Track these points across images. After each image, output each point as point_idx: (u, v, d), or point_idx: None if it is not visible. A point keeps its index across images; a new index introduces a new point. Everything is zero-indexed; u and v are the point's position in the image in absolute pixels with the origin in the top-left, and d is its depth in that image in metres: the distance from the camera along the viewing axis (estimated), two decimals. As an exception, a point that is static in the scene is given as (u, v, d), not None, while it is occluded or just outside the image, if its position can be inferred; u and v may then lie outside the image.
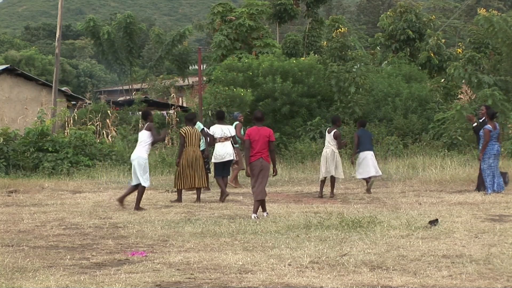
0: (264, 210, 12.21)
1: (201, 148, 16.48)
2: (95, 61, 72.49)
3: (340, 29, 29.74)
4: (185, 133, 14.64)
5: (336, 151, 15.70)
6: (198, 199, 14.72)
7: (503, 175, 15.75)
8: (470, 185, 17.17)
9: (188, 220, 11.74)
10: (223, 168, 15.54)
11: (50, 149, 21.82)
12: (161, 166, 22.25)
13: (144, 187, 13.43)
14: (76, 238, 10.11)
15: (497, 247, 8.79)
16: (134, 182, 13.51)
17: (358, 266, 7.75)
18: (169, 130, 27.75)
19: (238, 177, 18.48)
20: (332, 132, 15.65)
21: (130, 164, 21.86)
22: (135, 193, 13.53)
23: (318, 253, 8.44)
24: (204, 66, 38.02)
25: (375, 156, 16.93)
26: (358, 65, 27.45)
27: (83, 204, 14.43)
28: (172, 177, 17.84)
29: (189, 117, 15.27)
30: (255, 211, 11.94)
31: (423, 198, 14.64)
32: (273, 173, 12.48)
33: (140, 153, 13.38)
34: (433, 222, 10.58)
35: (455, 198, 14.59)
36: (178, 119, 29.14)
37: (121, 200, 13.67)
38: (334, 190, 15.88)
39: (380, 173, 16.89)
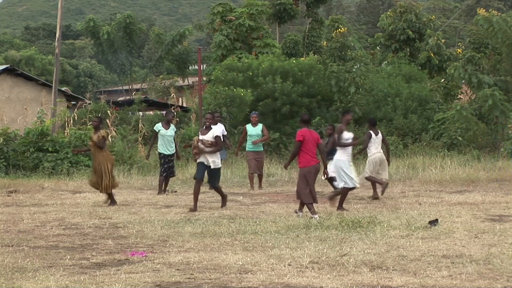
0: (300, 210, 12.21)
1: (174, 151, 16.39)
2: (95, 61, 72.52)
3: (340, 29, 29.72)
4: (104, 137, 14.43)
5: None
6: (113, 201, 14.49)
7: None
8: (470, 185, 17.18)
9: (188, 220, 11.74)
10: None
11: (50, 149, 21.81)
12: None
13: (346, 188, 13.18)
14: (76, 238, 10.11)
15: (497, 247, 8.79)
16: (339, 185, 13.40)
17: (358, 266, 7.75)
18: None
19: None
20: (380, 134, 15.36)
21: (130, 164, 22.08)
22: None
23: (318, 253, 8.44)
24: (204, 66, 38.00)
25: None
26: (358, 65, 27.43)
27: (83, 204, 14.43)
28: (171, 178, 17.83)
29: (100, 120, 14.96)
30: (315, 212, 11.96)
31: (423, 198, 14.64)
32: (325, 175, 12.41)
33: (338, 155, 13.18)
34: (433, 222, 10.58)
35: (455, 198, 14.60)
36: (178, 119, 29.12)
37: (336, 204, 13.40)
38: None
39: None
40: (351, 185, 13.20)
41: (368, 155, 15.21)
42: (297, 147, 12.09)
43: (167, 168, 16.29)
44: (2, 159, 21.35)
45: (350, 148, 13.32)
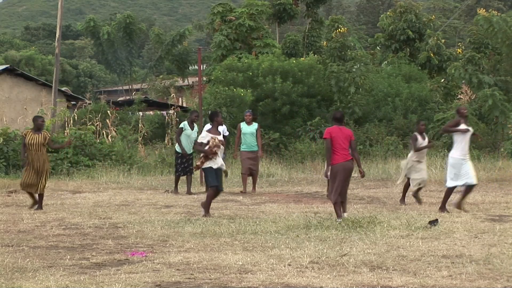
0: (344, 210, 11.55)
1: (192, 151, 16.20)
2: (95, 61, 72.57)
3: (339, 29, 29.73)
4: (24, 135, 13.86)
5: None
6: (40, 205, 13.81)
7: None
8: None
9: (188, 220, 11.73)
10: None
11: (49, 149, 21.77)
12: (161, 166, 22.26)
13: (448, 188, 12.68)
14: (76, 238, 10.10)
15: (497, 247, 8.79)
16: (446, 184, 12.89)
17: (358, 266, 7.75)
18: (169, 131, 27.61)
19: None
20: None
21: (130, 164, 22.07)
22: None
23: (318, 253, 8.44)
24: (204, 66, 38.01)
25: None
26: (358, 65, 27.44)
27: (83, 204, 14.42)
28: (172, 177, 17.82)
29: (43, 120, 14.37)
30: (340, 215, 11.32)
31: (423, 198, 14.63)
32: (360, 174, 11.86)
33: (451, 152, 12.85)
34: (433, 222, 10.58)
35: (455, 198, 14.58)
36: (178, 119, 29.14)
37: (459, 205, 12.75)
38: None
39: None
40: (468, 183, 12.57)
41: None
42: (326, 145, 11.46)
43: (184, 167, 16.21)
44: (2, 159, 21.35)
45: (464, 145, 12.69)
